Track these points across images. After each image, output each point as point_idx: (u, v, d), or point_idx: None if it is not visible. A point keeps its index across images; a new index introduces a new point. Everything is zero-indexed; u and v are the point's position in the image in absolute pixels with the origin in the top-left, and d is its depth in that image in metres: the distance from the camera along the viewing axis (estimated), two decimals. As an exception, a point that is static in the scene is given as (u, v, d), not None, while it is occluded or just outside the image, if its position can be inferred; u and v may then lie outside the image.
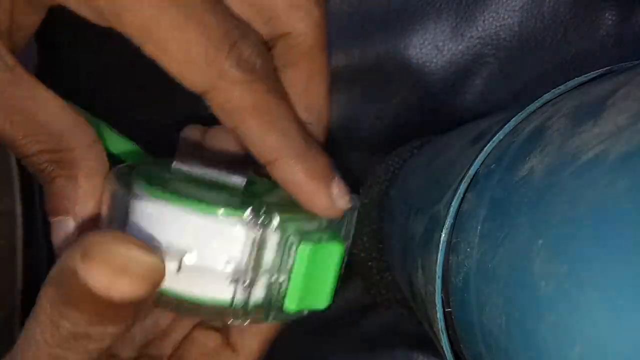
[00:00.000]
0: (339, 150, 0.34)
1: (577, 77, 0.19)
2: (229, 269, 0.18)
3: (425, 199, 0.24)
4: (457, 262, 0.19)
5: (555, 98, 0.19)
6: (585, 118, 0.15)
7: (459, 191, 0.19)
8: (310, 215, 0.20)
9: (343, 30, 0.32)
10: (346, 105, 0.33)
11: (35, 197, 0.36)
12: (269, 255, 0.19)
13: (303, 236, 0.20)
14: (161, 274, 0.17)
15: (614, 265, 0.12)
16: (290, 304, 0.20)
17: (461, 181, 0.19)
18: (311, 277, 0.20)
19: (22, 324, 0.34)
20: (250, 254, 0.19)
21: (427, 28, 0.32)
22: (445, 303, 0.20)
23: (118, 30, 0.18)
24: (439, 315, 0.19)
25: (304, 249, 0.19)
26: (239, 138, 0.20)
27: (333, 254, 0.21)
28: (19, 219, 0.34)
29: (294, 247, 0.19)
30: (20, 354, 0.18)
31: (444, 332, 0.20)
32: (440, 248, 0.19)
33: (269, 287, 0.20)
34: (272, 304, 0.20)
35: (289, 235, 0.19)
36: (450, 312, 0.20)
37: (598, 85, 0.17)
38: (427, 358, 0.35)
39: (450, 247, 0.19)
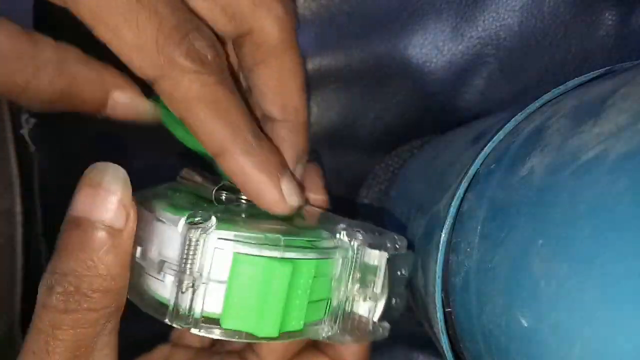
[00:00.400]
0: (339, 150, 0.34)
1: (577, 77, 0.19)
2: (169, 269, 0.18)
3: (425, 199, 0.24)
4: (457, 262, 0.19)
5: (555, 98, 0.19)
6: (585, 118, 0.15)
7: (459, 191, 0.19)
8: (272, 234, 0.19)
9: (343, 30, 0.32)
10: (346, 105, 0.33)
11: (35, 196, 0.36)
12: (207, 261, 0.18)
13: (242, 247, 0.18)
14: (128, 193, 0.18)
15: (614, 265, 0.12)
16: (225, 320, 0.18)
17: (461, 181, 0.19)
18: (251, 295, 0.18)
19: (22, 323, 0.34)
20: (184, 255, 0.18)
21: (427, 28, 0.32)
22: (445, 303, 0.20)
23: (73, 12, 0.18)
24: (439, 315, 0.19)
25: (236, 258, 0.18)
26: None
27: (276, 273, 0.18)
28: (19, 218, 0.34)
29: (228, 256, 0.18)
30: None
31: (444, 332, 0.20)
32: (440, 248, 0.19)
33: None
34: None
35: (227, 243, 0.18)
36: (450, 312, 0.20)
37: (598, 85, 0.17)
38: (427, 358, 0.35)
39: (450, 247, 0.19)
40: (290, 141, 0.23)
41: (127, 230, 0.18)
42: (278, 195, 0.20)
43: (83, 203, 0.17)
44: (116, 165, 0.18)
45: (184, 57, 0.18)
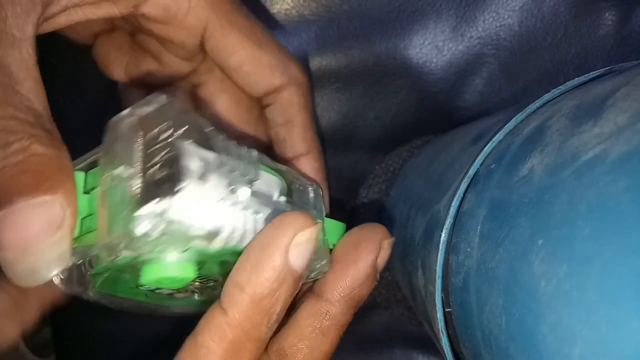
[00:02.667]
0: (339, 150, 0.34)
1: (577, 77, 0.19)
2: None
3: (425, 199, 0.24)
4: (457, 262, 0.19)
5: (555, 98, 0.19)
6: (585, 118, 0.15)
7: (459, 191, 0.19)
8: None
9: (343, 30, 0.32)
10: (346, 105, 0.33)
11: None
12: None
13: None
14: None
15: (614, 265, 0.12)
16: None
17: (461, 181, 0.19)
18: None
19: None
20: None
21: (427, 28, 0.32)
22: (445, 303, 0.20)
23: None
24: (439, 315, 0.19)
25: None
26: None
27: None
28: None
29: None
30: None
31: (444, 332, 0.20)
32: (440, 248, 0.19)
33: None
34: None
35: None
36: (450, 312, 0.20)
37: (598, 85, 0.17)
38: (427, 358, 0.35)
39: (450, 247, 0.19)
40: (314, 169, 0.26)
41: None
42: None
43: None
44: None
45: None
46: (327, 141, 0.34)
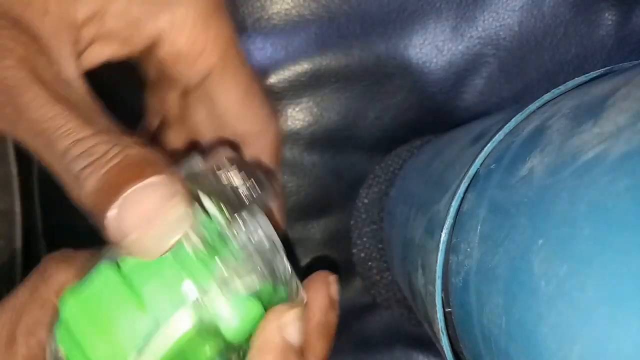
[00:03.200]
0: (339, 150, 0.34)
1: (577, 77, 0.19)
2: None
3: (425, 199, 0.24)
4: (457, 262, 0.19)
5: (555, 98, 0.19)
6: (585, 118, 0.15)
7: (459, 191, 0.19)
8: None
9: (343, 30, 0.32)
10: (346, 105, 0.33)
11: (35, 196, 0.36)
12: None
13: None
14: None
15: (614, 265, 0.12)
16: None
17: (461, 181, 0.19)
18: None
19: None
20: None
21: (427, 28, 0.32)
22: (445, 303, 0.20)
23: None
24: (439, 315, 0.19)
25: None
26: None
27: None
28: (18, 218, 0.34)
29: None
30: None
31: (444, 332, 0.20)
32: (440, 248, 0.19)
33: None
34: None
35: None
36: (450, 312, 0.20)
37: (598, 85, 0.17)
38: (427, 358, 0.35)
39: (450, 247, 0.19)
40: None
41: None
42: None
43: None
44: None
45: None
46: (327, 141, 0.34)
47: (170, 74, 0.23)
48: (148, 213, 0.16)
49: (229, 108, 0.25)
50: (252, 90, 0.25)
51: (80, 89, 0.19)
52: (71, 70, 0.19)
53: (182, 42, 0.22)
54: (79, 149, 0.17)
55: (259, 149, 0.26)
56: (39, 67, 0.18)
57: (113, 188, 0.16)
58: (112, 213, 0.16)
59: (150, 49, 0.22)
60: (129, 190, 0.16)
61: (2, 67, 0.17)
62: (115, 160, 0.17)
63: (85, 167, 0.16)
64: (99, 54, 0.21)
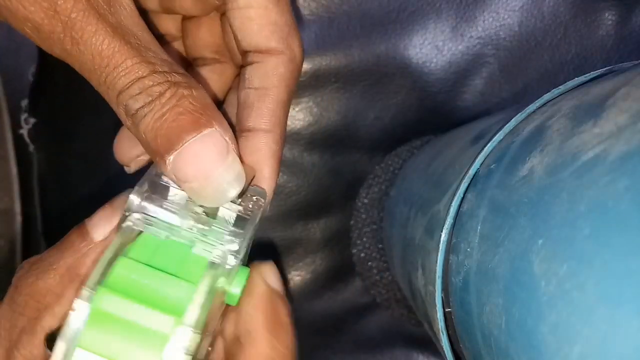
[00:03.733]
0: (339, 150, 0.34)
1: (577, 77, 0.19)
2: None
3: (425, 199, 0.24)
4: (457, 262, 0.19)
5: (555, 98, 0.19)
6: (585, 118, 0.15)
7: (459, 191, 0.19)
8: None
9: (343, 30, 0.32)
10: (346, 105, 0.33)
11: (34, 196, 0.36)
12: None
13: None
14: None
15: (614, 265, 0.12)
16: None
17: (461, 181, 0.19)
18: None
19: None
20: None
21: (427, 28, 0.32)
22: (445, 303, 0.20)
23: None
24: (439, 315, 0.19)
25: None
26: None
27: None
28: (18, 218, 0.34)
29: None
30: None
31: (444, 332, 0.20)
32: (440, 248, 0.19)
33: None
34: None
35: None
36: (450, 312, 0.20)
37: (598, 85, 0.17)
38: (427, 358, 0.35)
39: (450, 247, 0.19)
40: (271, 150, 0.23)
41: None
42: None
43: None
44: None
45: None
46: (327, 141, 0.34)
47: None
48: (206, 168, 0.18)
49: (249, 12, 0.22)
50: (280, 2, 0.22)
51: (132, 11, 0.19)
52: None
53: None
54: (136, 89, 0.18)
55: (270, 71, 0.23)
56: None
57: (171, 134, 0.18)
58: (171, 159, 0.18)
59: None
60: (187, 142, 0.18)
61: None
62: (171, 103, 0.18)
63: (142, 106, 0.18)
64: None
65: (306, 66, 0.32)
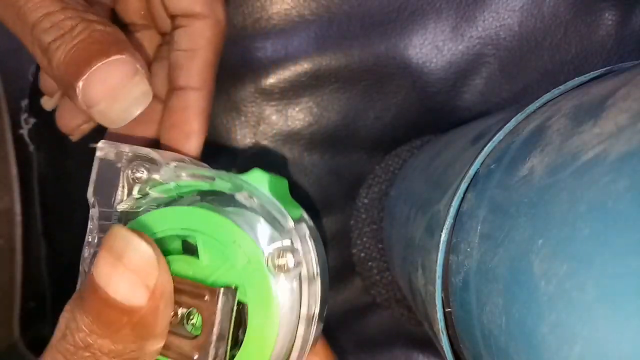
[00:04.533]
0: (339, 150, 0.34)
1: (577, 77, 0.19)
2: None
3: (425, 199, 0.24)
4: (457, 262, 0.19)
5: (555, 98, 0.19)
6: (585, 118, 0.15)
7: (459, 191, 0.19)
8: None
9: (343, 30, 0.32)
10: (346, 105, 0.33)
11: (34, 196, 0.36)
12: None
13: None
14: (152, 275, 0.17)
15: (614, 265, 0.12)
16: None
17: (461, 181, 0.19)
18: None
19: (21, 323, 0.34)
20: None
21: (427, 28, 0.32)
22: (445, 303, 0.20)
23: None
24: (439, 315, 0.19)
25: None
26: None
27: None
28: (18, 218, 0.34)
29: None
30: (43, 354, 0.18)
31: (444, 332, 0.20)
32: (440, 248, 0.19)
33: None
34: None
35: None
36: (450, 312, 0.20)
37: (598, 85, 0.17)
38: (427, 358, 0.35)
39: (450, 247, 0.19)
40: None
41: (149, 308, 0.17)
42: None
43: (102, 271, 0.17)
44: (141, 241, 0.17)
45: None
46: (327, 141, 0.34)
47: None
48: (114, 87, 0.19)
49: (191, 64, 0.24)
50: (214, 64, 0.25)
51: None
52: None
53: None
54: (47, 22, 0.18)
55: (197, 34, 0.24)
56: None
57: (81, 61, 0.18)
58: (80, 84, 0.18)
59: None
60: (96, 66, 0.18)
61: None
62: (82, 36, 0.18)
63: (54, 39, 0.18)
64: None
65: (306, 66, 0.32)
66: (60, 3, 0.18)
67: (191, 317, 0.18)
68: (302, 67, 0.32)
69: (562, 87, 0.19)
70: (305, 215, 0.22)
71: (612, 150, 0.13)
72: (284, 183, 0.22)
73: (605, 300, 0.12)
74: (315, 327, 0.20)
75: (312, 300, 0.20)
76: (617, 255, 0.12)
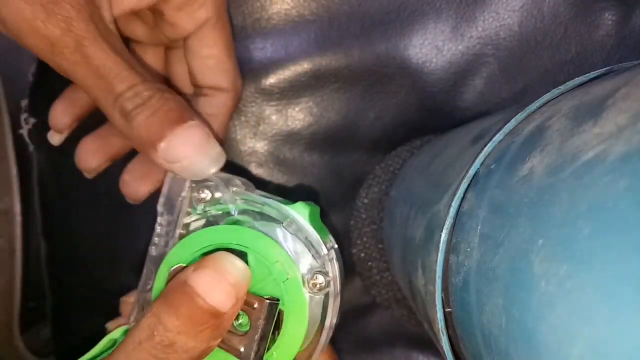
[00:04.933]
0: (339, 150, 0.34)
1: (577, 77, 0.19)
2: None
3: (425, 199, 0.24)
4: (457, 262, 0.19)
5: (555, 98, 0.19)
6: (585, 118, 0.15)
7: (459, 191, 0.19)
8: None
9: (343, 30, 0.32)
10: (346, 105, 0.33)
11: (34, 196, 0.36)
12: None
13: None
14: (244, 288, 0.22)
15: (614, 265, 0.12)
16: None
17: (461, 181, 0.19)
18: None
19: (21, 323, 0.34)
20: None
21: (427, 28, 0.32)
22: (445, 303, 0.20)
23: None
24: (439, 315, 0.19)
25: None
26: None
27: None
28: (18, 218, 0.34)
29: None
30: (117, 351, 0.21)
31: (444, 332, 0.20)
32: (440, 248, 0.19)
33: None
34: None
35: None
36: (450, 312, 0.20)
37: (598, 85, 0.17)
38: (427, 358, 0.35)
39: (450, 247, 0.19)
40: (228, 108, 0.30)
41: (229, 315, 0.21)
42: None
43: (204, 283, 0.21)
44: (241, 261, 0.22)
45: None
46: (327, 141, 0.34)
47: (172, 21, 0.27)
48: (194, 147, 0.23)
49: (208, 61, 0.28)
50: (231, 47, 0.29)
51: (117, 36, 0.24)
52: (109, 19, 0.23)
53: None
54: (131, 93, 0.22)
55: (220, 104, 0.29)
56: (95, 16, 0.22)
57: (161, 125, 0.22)
58: (162, 145, 0.22)
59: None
60: (176, 129, 0.22)
61: (70, 18, 0.21)
62: (159, 105, 0.22)
63: (136, 107, 0.22)
64: (126, 3, 0.25)
65: (306, 66, 0.32)
66: (139, 76, 0.22)
67: (240, 317, 0.23)
68: (302, 67, 0.32)
69: (562, 87, 0.19)
70: (332, 238, 0.26)
71: (612, 150, 0.13)
72: (317, 210, 0.26)
73: (605, 300, 0.12)
74: (331, 332, 0.25)
75: (334, 313, 0.24)
76: (617, 255, 0.12)
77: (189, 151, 0.23)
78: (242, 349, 0.22)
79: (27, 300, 0.35)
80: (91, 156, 0.29)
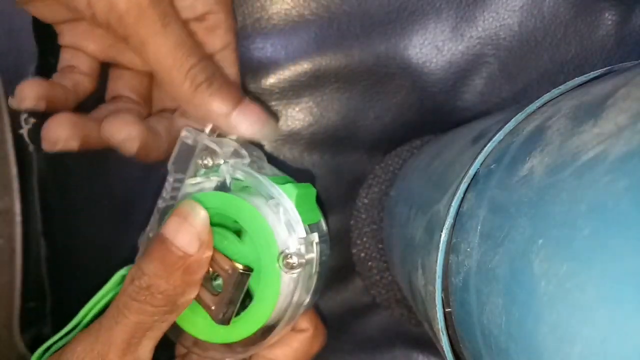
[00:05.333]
0: (339, 150, 0.34)
1: (577, 77, 0.19)
2: None
3: (425, 199, 0.24)
4: (457, 262, 0.19)
5: (555, 98, 0.19)
6: (585, 118, 0.15)
7: (459, 191, 0.19)
8: None
9: (343, 30, 0.32)
10: (346, 105, 0.33)
11: (34, 196, 0.36)
12: None
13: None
14: (206, 233, 0.24)
15: (614, 265, 0.12)
16: None
17: (461, 181, 0.19)
18: None
19: (21, 322, 0.34)
20: None
21: (427, 28, 0.32)
22: (445, 303, 0.20)
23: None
24: (439, 315, 0.19)
25: None
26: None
27: None
28: (18, 218, 0.34)
29: None
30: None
31: (444, 332, 0.20)
32: (440, 248, 0.19)
33: None
34: None
35: None
36: (450, 312, 0.20)
37: (598, 85, 0.17)
38: (427, 358, 0.35)
39: (450, 247, 0.19)
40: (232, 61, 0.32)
41: (196, 257, 0.24)
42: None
43: (171, 228, 0.24)
44: (202, 209, 0.24)
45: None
46: (327, 141, 0.34)
47: (201, 41, 0.29)
48: (253, 121, 0.28)
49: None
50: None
51: (180, 19, 0.27)
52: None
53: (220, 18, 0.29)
54: (202, 65, 0.26)
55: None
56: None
57: (233, 95, 0.27)
58: (237, 113, 0.27)
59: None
60: (245, 101, 0.28)
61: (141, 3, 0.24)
62: (223, 80, 0.27)
63: (207, 78, 0.26)
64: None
65: (306, 66, 0.32)
66: (204, 53, 0.27)
67: (217, 278, 0.25)
68: (302, 67, 0.32)
69: (562, 87, 0.19)
70: (322, 221, 0.28)
71: (612, 150, 0.13)
72: (311, 192, 0.27)
73: (605, 300, 0.12)
74: (303, 309, 0.27)
75: (304, 292, 0.26)
76: (617, 255, 0.12)
77: (261, 116, 0.28)
78: (213, 307, 0.25)
79: (27, 300, 0.35)
80: (63, 128, 0.27)
